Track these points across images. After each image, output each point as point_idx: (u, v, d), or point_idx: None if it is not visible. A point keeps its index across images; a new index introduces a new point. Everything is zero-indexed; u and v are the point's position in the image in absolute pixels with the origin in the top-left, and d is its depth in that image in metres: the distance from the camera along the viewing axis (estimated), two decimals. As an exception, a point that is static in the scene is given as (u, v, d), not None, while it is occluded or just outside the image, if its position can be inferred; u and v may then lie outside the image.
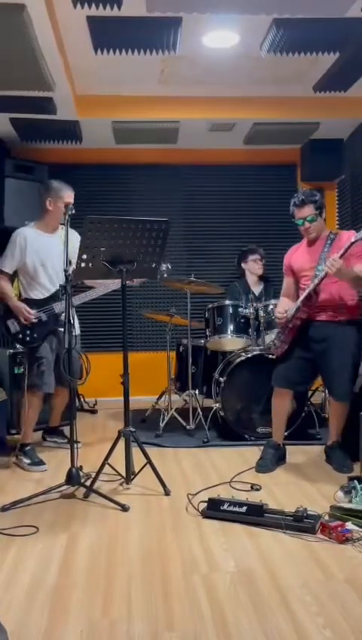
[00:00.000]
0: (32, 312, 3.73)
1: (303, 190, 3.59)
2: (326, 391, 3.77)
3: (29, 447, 3.77)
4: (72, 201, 3.74)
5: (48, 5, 3.06)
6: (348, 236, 3.42)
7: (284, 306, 3.62)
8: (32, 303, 3.78)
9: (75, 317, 3.93)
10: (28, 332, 3.76)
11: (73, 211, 3.50)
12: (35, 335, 3.76)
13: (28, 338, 3.77)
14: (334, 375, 3.48)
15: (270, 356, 3.94)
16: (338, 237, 3.50)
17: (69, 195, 3.76)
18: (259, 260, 5.26)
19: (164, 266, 4.08)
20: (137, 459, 3.32)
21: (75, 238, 3.49)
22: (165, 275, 4.18)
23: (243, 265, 5.34)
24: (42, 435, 4.27)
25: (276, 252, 5.36)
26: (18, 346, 4.00)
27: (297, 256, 3.67)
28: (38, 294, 3.81)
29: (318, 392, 4.96)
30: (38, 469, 3.64)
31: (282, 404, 3.68)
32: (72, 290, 3.34)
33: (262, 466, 3.57)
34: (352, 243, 3.17)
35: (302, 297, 3.46)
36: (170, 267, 4.17)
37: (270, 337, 4.24)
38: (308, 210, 3.46)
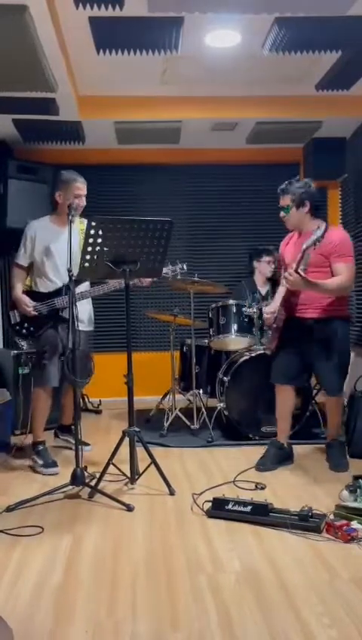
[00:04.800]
0: (32, 304, 3.70)
1: (294, 179, 3.55)
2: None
3: (42, 448, 3.74)
4: (82, 192, 3.70)
5: (50, 6, 3.06)
6: (336, 236, 3.42)
7: (274, 306, 3.70)
8: (37, 295, 3.76)
9: (91, 311, 3.95)
10: (26, 324, 3.75)
11: (74, 213, 3.49)
12: (32, 328, 3.74)
13: (25, 331, 3.76)
14: (322, 370, 3.52)
15: (267, 352, 4.03)
16: (324, 234, 3.47)
17: (77, 187, 3.69)
18: (271, 262, 5.22)
19: (179, 266, 3.98)
20: (142, 459, 3.33)
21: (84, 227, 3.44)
22: (178, 275, 4.06)
23: (255, 263, 5.28)
24: (55, 432, 4.20)
25: (277, 251, 5.37)
26: (17, 339, 3.91)
27: (288, 248, 3.68)
28: (44, 287, 3.78)
29: (322, 391, 4.96)
30: (50, 471, 3.59)
31: (284, 401, 3.68)
32: (76, 287, 3.34)
33: (261, 465, 3.57)
34: (303, 253, 3.15)
35: (281, 297, 3.52)
36: (185, 268, 4.04)
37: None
38: (285, 201, 3.47)
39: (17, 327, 3.78)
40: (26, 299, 3.73)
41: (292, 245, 3.64)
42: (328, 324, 3.47)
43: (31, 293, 3.79)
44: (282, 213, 3.51)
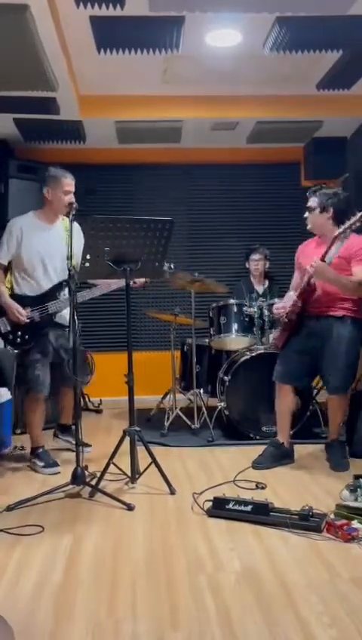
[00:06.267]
0: (24, 312, 3.53)
1: (324, 186, 3.65)
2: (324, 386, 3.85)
3: (41, 450, 3.68)
4: (72, 189, 3.57)
5: (51, 5, 3.06)
6: (359, 239, 3.42)
7: (285, 302, 3.72)
8: (24, 299, 3.56)
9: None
10: (19, 333, 3.53)
11: (75, 210, 3.42)
12: (27, 337, 3.54)
13: (19, 340, 3.55)
14: (328, 368, 3.51)
15: (272, 349, 4.01)
16: (348, 240, 3.47)
17: (67, 184, 3.56)
18: (258, 260, 5.32)
19: (166, 266, 3.87)
20: (142, 458, 3.33)
21: (78, 233, 3.39)
22: (167, 276, 4.05)
23: (246, 264, 5.41)
24: (54, 432, 4.10)
25: (279, 250, 5.38)
26: (10, 349, 3.67)
27: (306, 251, 3.71)
28: (31, 291, 3.60)
29: (323, 391, 4.95)
30: (52, 470, 3.55)
31: (284, 400, 3.67)
32: (68, 289, 3.25)
33: (258, 463, 3.57)
34: (331, 243, 3.22)
35: (298, 292, 3.52)
36: (172, 267, 3.99)
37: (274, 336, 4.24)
38: (310, 202, 3.54)
39: (10, 337, 3.55)
40: (18, 306, 3.52)
41: (311, 250, 3.65)
42: (343, 322, 3.48)
43: (16, 297, 3.58)
44: (306, 214, 3.56)
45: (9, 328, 3.56)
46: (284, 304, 3.67)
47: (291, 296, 3.70)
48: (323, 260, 3.26)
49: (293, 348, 3.61)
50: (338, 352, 3.46)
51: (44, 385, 3.63)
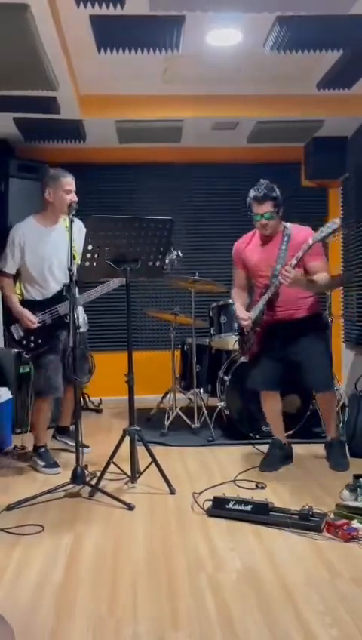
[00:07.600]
0: (35, 318, 3.56)
1: (265, 183, 3.44)
2: (311, 388, 3.85)
3: (43, 449, 3.69)
4: (72, 188, 3.56)
5: (51, 5, 3.05)
6: (304, 236, 3.32)
7: (243, 309, 3.60)
8: (34, 305, 3.61)
9: (83, 313, 3.83)
10: (32, 338, 3.58)
11: (75, 210, 3.38)
12: (40, 341, 3.58)
13: (32, 344, 3.59)
14: (311, 368, 3.46)
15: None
16: (293, 234, 3.41)
17: (68, 183, 3.55)
18: None
19: (174, 254, 3.83)
20: (142, 457, 3.33)
21: (80, 230, 3.40)
22: (175, 263, 3.95)
23: None
24: (52, 434, 4.12)
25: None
26: (24, 354, 3.71)
27: (251, 251, 3.57)
28: (40, 295, 3.64)
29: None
30: (52, 471, 3.57)
31: (272, 405, 3.67)
32: (77, 289, 3.28)
33: (267, 465, 3.56)
34: (305, 251, 3.12)
35: (263, 301, 3.40)
36: (180, 254, 3.92)
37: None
38: (267, 207, 3.37)
39: (24, 342, 3.60)
40: (28, 313, 3.57)
41: (257, 248, 3.54)
42: (311, 320, 3.49)
43: (26, 302, 3.63)
44: (264, 221, 3.39)
45: (22, 334, 3.61)
46: (248, 314, 3.53)
47: (242, 298, 3.66)
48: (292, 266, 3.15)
49: (269, 355, 3.51)
50: (318, 350, 3.48)
51: (55, 387, 3.64)
